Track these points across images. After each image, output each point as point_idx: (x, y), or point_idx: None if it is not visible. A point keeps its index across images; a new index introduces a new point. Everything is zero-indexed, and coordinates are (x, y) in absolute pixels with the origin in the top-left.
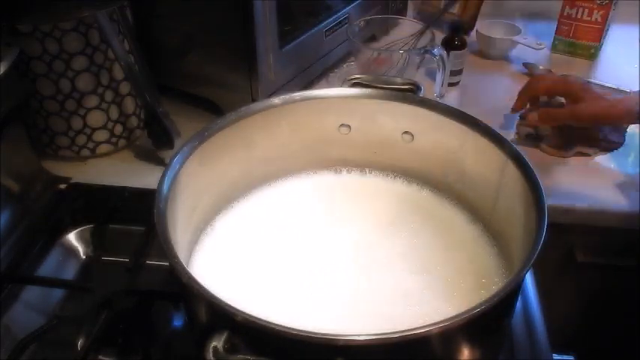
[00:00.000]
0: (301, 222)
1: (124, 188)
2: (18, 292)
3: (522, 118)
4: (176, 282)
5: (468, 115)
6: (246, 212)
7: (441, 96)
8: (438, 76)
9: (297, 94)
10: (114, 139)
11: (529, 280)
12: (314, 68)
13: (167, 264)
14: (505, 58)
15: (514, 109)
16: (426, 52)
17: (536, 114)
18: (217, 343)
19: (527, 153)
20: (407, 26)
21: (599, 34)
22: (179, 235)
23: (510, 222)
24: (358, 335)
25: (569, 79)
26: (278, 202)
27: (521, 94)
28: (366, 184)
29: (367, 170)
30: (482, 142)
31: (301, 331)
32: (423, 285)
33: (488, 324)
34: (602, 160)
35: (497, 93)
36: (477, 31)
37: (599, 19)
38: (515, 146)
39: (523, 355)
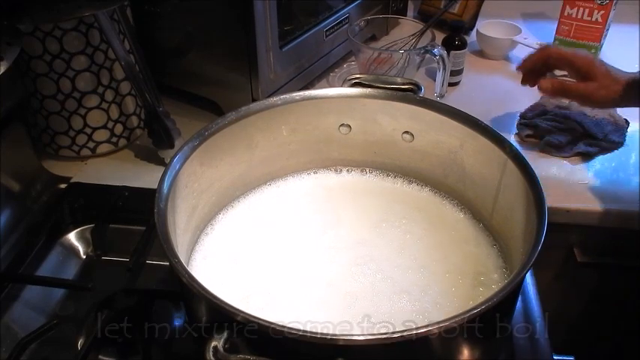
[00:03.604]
0: (301, 221)
1: (124, 188)
2: (18, 291)
3: (521, 117)
4: (176, 282)
5: (468, 115)
6: (246, 212)
7: (441, 96)
8: (439, 76)
9: (298, 94)
10: (114, 139)
11: (529, 280)
12: (314, 68)
13: (167, 263)
14: (505, 58)
15: (524, 79)
16: (427, 52)
17: (551, 82)
18: (217, 342)
19: (527, 153)
20: (407, 26)
21: (599, 34)
22: (179, 235)
23: (510, 221)
24: (358, 335)
25: (589, 54)
26: (278, 202)
27: (529, 60)
28: (366, 184)
29: (367, 170)
30: (483, 142)
31: (301, 331)
32: (422, 283)
33: (488, 324)
34: (602, 160)
35: (497, 93)
36: (477, 31)
37: (600, 19)
38: (515, 146)
39: (523, 356)
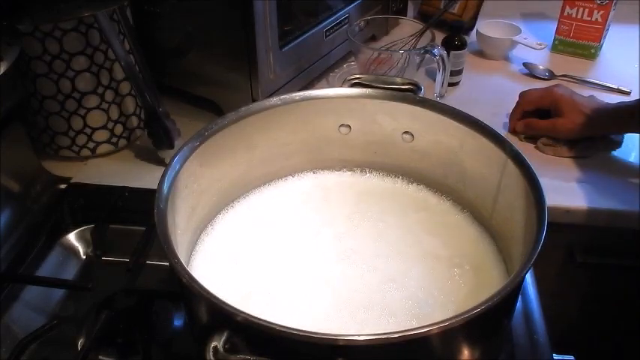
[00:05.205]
0: (301, 221)
1: (124, 188)
2: (18, 292)
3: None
4: (176, 282)
5: (468, 115)
6: (246, 212)
7: (441, 96)
8: (438, 76)
9: (297, 94)
10: (114, 139)
11: (529, 280)
12: (314, 68)
13: (167, 264)
14: (505, 58)
15: (511, 132)
16: (426, 52)
17: (521, 124)
18: (217, 343)
19: (527, 153)
20: (407, 26)
21: (599, 34)
22: (179, 235)
23: (510, 222)
24: (358, 335)
25: (555, 92)
26: (278, 202)
27: (512, 114)
28: (366, 184)
29: (367, 170)
30: (482, 142)
31: (301, 331)
32: (422, 283)
33: (488, 324)
34: (602, 160)
35: (497, 93)
36: (477, 31)
37: (599, 19)
38: (515, 146)
39: (523, 356)
